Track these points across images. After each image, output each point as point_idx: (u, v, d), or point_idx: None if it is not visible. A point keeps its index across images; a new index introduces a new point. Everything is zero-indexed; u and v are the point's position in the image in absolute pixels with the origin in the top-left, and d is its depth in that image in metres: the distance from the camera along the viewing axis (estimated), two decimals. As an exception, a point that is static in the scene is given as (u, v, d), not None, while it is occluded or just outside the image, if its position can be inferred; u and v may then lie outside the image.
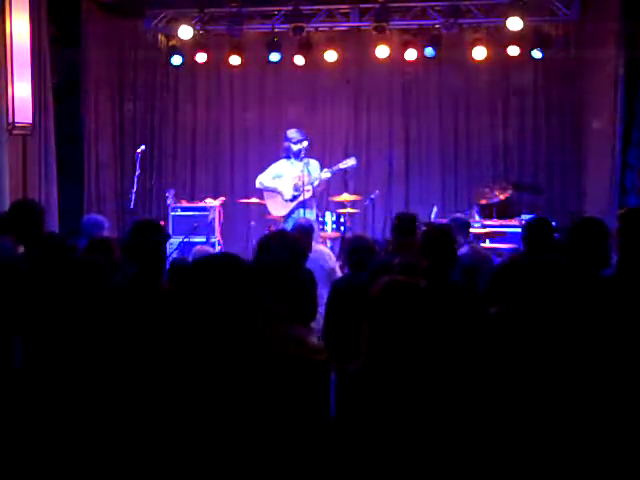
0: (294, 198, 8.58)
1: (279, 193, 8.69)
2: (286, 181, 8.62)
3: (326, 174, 8.59)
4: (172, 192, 9.68)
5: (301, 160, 8.60)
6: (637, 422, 2.93)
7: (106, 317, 3.25)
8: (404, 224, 5.55)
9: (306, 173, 8.47)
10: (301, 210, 8.49)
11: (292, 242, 3.09)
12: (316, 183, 8.52)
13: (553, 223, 5.34)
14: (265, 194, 8.87)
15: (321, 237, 8.43)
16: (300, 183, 8.45)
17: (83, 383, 2.85)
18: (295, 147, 8.59)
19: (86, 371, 2.89)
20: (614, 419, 2.94)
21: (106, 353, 2.99)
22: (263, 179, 8.84)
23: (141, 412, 2.36)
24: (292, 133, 8.68)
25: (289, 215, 8.58)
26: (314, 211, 8.66)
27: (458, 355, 3.13)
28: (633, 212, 3.75)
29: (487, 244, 8.36)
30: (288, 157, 8.68)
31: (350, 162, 8.70)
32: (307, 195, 8.48)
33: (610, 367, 3.06)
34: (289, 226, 7.60)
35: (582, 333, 3.17)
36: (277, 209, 8.74)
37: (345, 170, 8.80)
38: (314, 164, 8.65)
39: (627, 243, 3.51)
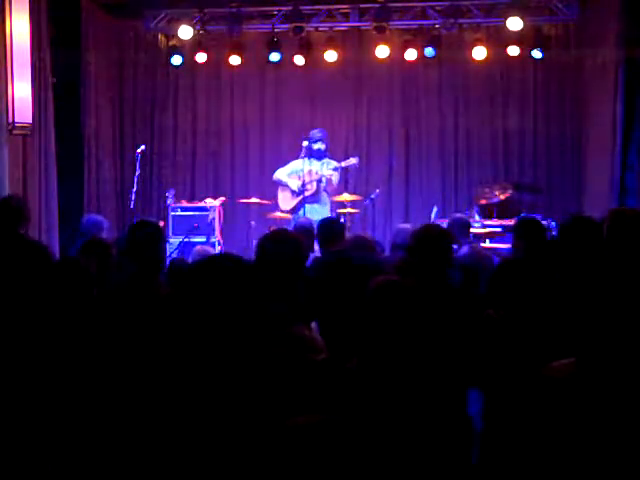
0: (300, 193, 8.83)
1: (289, 188, 8.99)
2: (298, 178, 8.88)
3: (328, 171, 8.75)
4: (172, 192, 9.68)
5: (319, 159, 8.90)
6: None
7: (100, 319, 3.24)
8: (328, 229, 5.55)
9: (315, 169, 8.78)
10: (310, 206, 8.71)
11: (293, 241, 3.08)
12: (323, 181, 8.72)
13: (544, 222, 5.35)
14: (279, 188, 9.18)
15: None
16: (307, 179, 8.72)
17: (78, 385, 2.84)
18: (314, 146, 8.86)
19: (79, 374, 2.88)
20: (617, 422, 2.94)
21: (99, 355, 2.98)
22: (279, 174, 9.18)
23: (140, 414, 2.36)
24: (312, 133, 9.03)
25: (297, 210, 8.86)
26: (326, 209, 8.83)
27: (451, 355, 3.13)
28: (619, 213, 3.77)
29: (487, 244, 8.36)
30: (309, 156, 8.93)
31: (352, 161, 8.89)
32: (310, 192, 8.73)
33: (606, 365, 3.06)
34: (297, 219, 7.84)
35: (574, 331, 3.18)
36: (285, 203, 9.05)
37: (346, 168, 8.92)
38: (332, 164, 8.89)
39: (614, 244, 3.53)
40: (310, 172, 8.84)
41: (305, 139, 8.92)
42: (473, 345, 3.33)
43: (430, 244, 4.01)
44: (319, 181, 8.82)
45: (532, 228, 5.12)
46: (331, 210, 8.94)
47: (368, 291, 2.93)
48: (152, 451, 2.27)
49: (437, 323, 3.30)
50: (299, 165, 9.02)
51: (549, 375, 2.66)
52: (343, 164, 8.88)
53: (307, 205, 8.81)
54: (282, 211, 9.08)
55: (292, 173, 9.04)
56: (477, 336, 3.39)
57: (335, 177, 8.90)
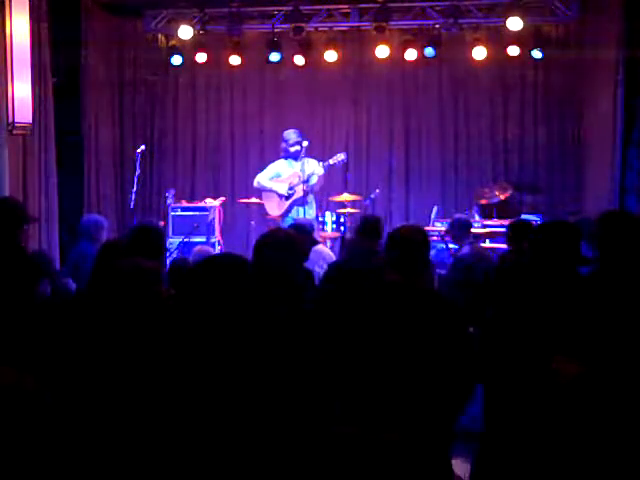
0: (289, 197, 8.68)
1: (275, 192, 8.77)
2: (283, 181, 8.74)
3: (319, 169, 8.68)
4: (172, 192, 9.68)
5: (298, 160, 8.73)
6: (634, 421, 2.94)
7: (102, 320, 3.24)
8: (368, 227, 5.56)
9: (297, 170, 8.63)
10: (299, 209, 8.62)
11: (290, 240, 3.08)
12: (313, 180, 8.62)
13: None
14: (263, 194, 8.99)
15: (321, 237, 8.46)
16: (295, 182, 8.59)
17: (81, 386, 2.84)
18: (292, 149, 8.73)
19: (83, 374, 2.88)
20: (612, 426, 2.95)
21: (102, 357, 2.97)
22: (260, 179, 8.97)
23: (142, 414, 2.36)
24: (288, 134, 8.85)
25: (286, 214, 8.69)
26: (313, 210, 8.74)
27: (455, 354, 3.13)
28: (610, 216, 3.77)
29: (487, 244, 8.37)
30: (286, 157, 8.78)
31: (340, 157, 8.78)
32: (299, 194, 8.63)
33: (600, 364, 3.08)
34: (286, 225, 7.71)
35: (567, 330, 3.19)
36: (273, 209, 8.87)
37: (345, 165, 8.86)
38: (312, 163, 8.75)
39: (605, 246, 3.54)
40: (294, 174, 8.70)
41: (306, 138, 8.82)
42: (468, 345, 3.33)
43: (404, 246, 3.96)
44: (306, 181, 8.68)
45: (524, 231, 5.14)
46: (317, 209, 8.89)
47: (369, 290, 2.92)
48: (151, 451, 2.27)
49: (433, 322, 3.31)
50: (279, 167, 8.87)
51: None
52: (331, 161, 8.79)
53: (296, 207, 8.68)
54: (271, 217, 8.93)
55: (274, 177, 8.85)
56: (472, 336, 3.40)
57: (322, 176, 8.81)
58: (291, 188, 8.67)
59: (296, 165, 8.73)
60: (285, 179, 8.74)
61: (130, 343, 2.63)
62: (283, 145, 8.83)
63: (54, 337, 3.01)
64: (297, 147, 8.71)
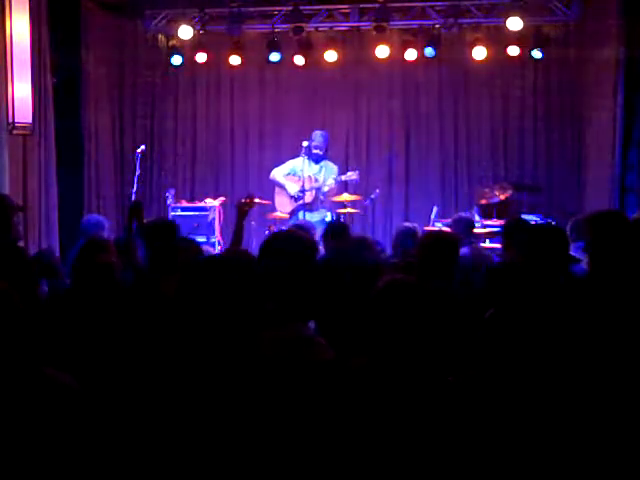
0: (297, 199, 8.70)
1: (286, 191, 8.83)
2: (297, 181, 8.78)
3: (330, 180, 8.73)
4: (172, 192, 9.68)
5: (318, 162, 8.78)
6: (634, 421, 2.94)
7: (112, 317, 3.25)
8: (335, 230, 5.86)
9: (313, 173, 8.70)
10: (311, 215, 8.63)
11: (303, 240, 3.08)
12: (325, 188, 8.66)
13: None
14: (276, 188, 9.03)
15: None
16: (307, 186, 8.63)
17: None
18: (315, 150, 8.79)
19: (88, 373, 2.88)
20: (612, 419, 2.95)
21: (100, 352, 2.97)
22: (276, 173, 9.04)
23: (139, 412, 2.36)
24: (315, 135, 8.90)
25: (293, 215, 8.73)
26: (323, 215, 8.75)
27: (458, 355, 3.13)
28: (601, 217, 3.78)
29: (487, 244, 8.36)
30: (308, 157, 8.78)
31: (353, 176, 8.81)
32: (308, 199, 8.65)
33: (599, 364, 3.08)
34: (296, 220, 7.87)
35: (569, 332, 3.20)
36: (282, 205, 8.92)
37: (346, 182, 8.93)
38: (331, 168, 8.78)
39: (597, 247, 3.54)
40: (310, 178, 8.71)
41: (306, 139, 8.84)
42: (472, 344, 3.33)
43: (441, 250, 4.00)
44: (318, 189, 8.71)
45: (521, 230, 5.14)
46: (332, 215, 8.90)
47: (376, 290, 2.91)
48: (151, 451, 2.27)
49: (441, 324, 3.31)
50: (297, 165, 8.85)
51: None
52: (343, 178, 8.82)
53: (305, 212, 8.70)
54: (272, 217, 8.96)
55: (289, 174, 8.89)
56: (475, 336, 3.40)
57: (335, 187, 8.84)
58: (302, 191, 8.70)
59: (314, 167, 8.77)
60: (298, 180, 8.77)
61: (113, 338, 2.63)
62: (305, 143, 8.80)
63: (47, 334, 3.01)
64: (319, 151, 8.75)
